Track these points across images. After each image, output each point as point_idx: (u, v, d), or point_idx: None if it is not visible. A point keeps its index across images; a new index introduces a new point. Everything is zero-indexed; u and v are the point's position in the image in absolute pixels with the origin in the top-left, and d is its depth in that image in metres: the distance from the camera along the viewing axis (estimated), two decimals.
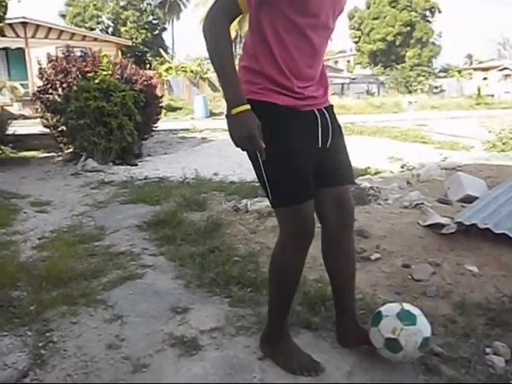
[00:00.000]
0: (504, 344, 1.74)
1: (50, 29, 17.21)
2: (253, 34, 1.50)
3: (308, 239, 1.56)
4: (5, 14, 7.25)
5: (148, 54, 31.92)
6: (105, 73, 6.46)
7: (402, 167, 5.64)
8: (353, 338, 1.74)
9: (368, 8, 36.44)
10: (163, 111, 9.51)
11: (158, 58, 26.97)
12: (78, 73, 6.50)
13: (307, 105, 1.54)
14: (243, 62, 1.53)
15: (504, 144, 7.24)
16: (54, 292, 2.26)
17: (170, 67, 23.53)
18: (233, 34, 27.95)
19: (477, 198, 3.02)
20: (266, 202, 3.73)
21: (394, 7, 34.88)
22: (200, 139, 10.05)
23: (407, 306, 1.62)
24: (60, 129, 6.82)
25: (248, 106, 1.40)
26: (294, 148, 1.50)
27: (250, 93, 1.46)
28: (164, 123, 10.06)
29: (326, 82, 1.63)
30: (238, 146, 1.42)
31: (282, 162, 1.49)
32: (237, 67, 1.45)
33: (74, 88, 6.26)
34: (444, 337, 1.82)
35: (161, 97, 8.08)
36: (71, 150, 6.93)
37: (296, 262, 1.60)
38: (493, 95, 24.90)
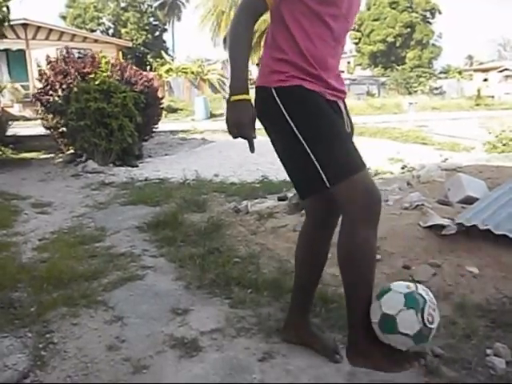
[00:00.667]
0: (505, 345, 1.74)
1: (50, 30, 17.25)
2: (275, 26, 1.53)
3: (379, 207, 1.45)
4: (8, 15, 7.25)
5: (149, 56, 31.97)
6: (105, 74, 6.47)
7: (403, 168, 5.64)
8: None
9: (368, 9, 36.44)
10: (164, 112, 9.51)
11: (158, 60, 27.02)
12: (76, 74, 6.50)
13: (332, 94, 1.56)
14: (268, 53, 1.55)
15: (504, 145, 7.23)
16: (54, 293, 2.27)
17: (171, 68, 23.56)
18: None
19: (477, 199, 3.02)
20: (267, 203, 3.74)
21: (394, 8, 34.90)
22: (200, 140, 10.05)
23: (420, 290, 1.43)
24: (60, 130, 6.82)
25: (248, 97, 1.44)
26: (336, 121, 1.51)
27: (278, 82, 1.48)
28: (164, 124, 10.06)
29: (342, 80, 1.66)
30: (229, 131, 1.46)
31: (330, 135, 1.46)
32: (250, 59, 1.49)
33: (75, 89, 6.27)
34: (445, 338, 1.82)
35: (161, 98, 8.09)
36: (72, 151, 6.94)
37: (373, 237, 1.46)
38: (493, 96, 24.89)
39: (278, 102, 1.47)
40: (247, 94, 1.44)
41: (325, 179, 1.42)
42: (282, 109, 1.47)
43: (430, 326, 1.34)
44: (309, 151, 1.43)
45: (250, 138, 1.46)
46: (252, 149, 1.49)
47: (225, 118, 1.47)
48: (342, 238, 1.47)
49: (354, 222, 1.43)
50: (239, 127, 1.44)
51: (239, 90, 1.43)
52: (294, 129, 1.45)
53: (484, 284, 2.21)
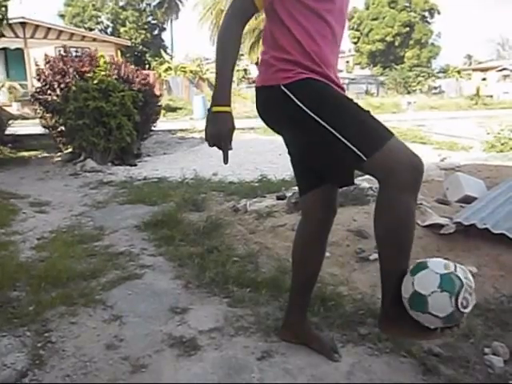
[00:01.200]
0: (503, 344, 1.74)
1: (49, 29, 17.23)
2: (274, 26, 1.51)
3: (419, 172, 1.39)
4: (5, 15, 7.24)
5: (147, 55, 31.94)
6: (103, 73, 6.46)
7: None
8: None
9: (367, 9, 36.45)
10: (162, 111, 9.49)
11: (157, 59, 26.98)
12: (75, 73, 6.50)
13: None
14: (269, 53, 1.53)
15: (503, 144, 7.24)
16: (52, 292, 2.26)
17: (170, 67, 23.55)
18: None
19: (476, 198, 3.02)
20: (266, 203, 3.74)
21: (393, 8, 34.89)
22: (199, 139, 10.03)
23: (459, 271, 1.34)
24: (59, 129, 6.81)
25: (229, 109, 1.46)
26: (351, 100, 1.50)
27: (286, 78, 1.47)
28: (163, 123, 10.05)
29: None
30: (206, 139, 1.48)
31: (351, 112, 1.45)
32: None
33: (73, 88, 6.26)
34: (443, 337, 1.82)
35: (159, 96, 8.07)
36: (70, 150, 6.93)
37: (414, 205, 1.41)
38: (492, 96, 24.91)
39: (291, 96, 1.46)
40: (229, 106, 1.46)
41: (360, 154, 1.38)
42: (297, 102, 1.45)
43: (463, 310, 1.29)
44: (335, 133, 1.41)
45: (225, 149, 1.48)
46: (226, 160, 1.50)
47: (204, 126, 1.48)
48: (382, 208, 1.42)
49: (395, 188, 1.36)
50: (218, 139, 1.46)
51: (222, 102, 1.45)
52: (315, 117, 1.43)
53: (482, 283, 2.21)
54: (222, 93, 1.46)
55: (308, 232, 1.73)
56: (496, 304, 2.05)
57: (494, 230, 2.41)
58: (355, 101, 1.52)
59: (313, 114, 1.44)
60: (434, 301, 1.28)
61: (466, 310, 1.30)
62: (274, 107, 1.53)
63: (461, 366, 1.65)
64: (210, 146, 1.48)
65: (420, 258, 2.41)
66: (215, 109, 1.45)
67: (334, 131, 1.41)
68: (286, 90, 1.46)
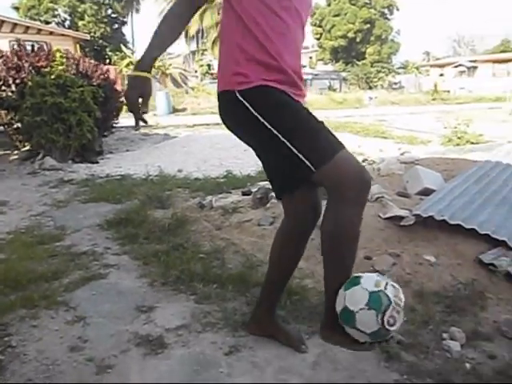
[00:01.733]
0: (459, 329, 1.83)
1: (2, 22, 16.42)
2: (229, 23, 1.51)
3: (367, 185, 1.41)
4: None
5: (108, 49, 31.10)
6: (60, 68, 6.26)
7: (364, 161, 5.76)
8: None
9: (329, 5, 36.87)
10: (124, 107, 9.27)
11: (118, 53, 26.33)
12: (31, 68, 6.26)
13: (295, 94, 1.54)
14: (226, 53, 1.53)
15: (459, 138, 7.52)
16: (12, 295, 2.19)
17: (131, 62, 23.02)
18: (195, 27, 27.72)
19: (434, 190, 3.13)
20: (231, 198, 3.74)
21: (353, 4, 35.44)
22: (163, 136, 9.90)
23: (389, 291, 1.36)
24: (15, 126, 6.55)
25: (144, 74, 1.45)
26: (304, 109, 1.50)
27: (241, 84, 1.47)
28: (126, 119, 9.80)
29: (303, 81, 1.64)
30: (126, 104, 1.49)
31: (303, 123, 1.46)
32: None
33: (29, 84, 6.03)
34: (404, 325, 1.88)
35: (121, 91, 7.89)
36: (28, 147, 6.68)
37: (358, 218, 1.42)
38: (449, 91, 25.79)
39: (246, 103, 1.46)
40: (147, 72, 1.46)
41: (309, 165, 1.40)
42: (251, 109, 1.46)
43: (389, 327, 1.32)
44: (287, 143, 1.42)
45: (134, 113, 1.47)
46: (136, 126, 1.51)
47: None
48: (327, 219, 1.44)
49: (340, 201, 1.39)
50: (127, 102, 1.46)
51: (140, 67, 1.45)
52: (268, 125, 1.44)
53: (441, 272, 2.30)
54: (144, 59, 1.46)
55: (287, 234, 1.71)
56: (453, 291, 2.14)
57: (450, 220, 2.52)
58: (311, 109, 1.53)
59: (266, 123, 1.45)
60: (361, 317, 1.33)
61: (393, 328, 1.34)
62: (230, 113, 1.54)
63: (421, 351, 1.72)
64: (128, 110, 1.48)
65: (382, 249, 2.50)
66: (133, 73, 1.45)
67: (285, 141, 1.43)
68: (240, 97, 1.47)
